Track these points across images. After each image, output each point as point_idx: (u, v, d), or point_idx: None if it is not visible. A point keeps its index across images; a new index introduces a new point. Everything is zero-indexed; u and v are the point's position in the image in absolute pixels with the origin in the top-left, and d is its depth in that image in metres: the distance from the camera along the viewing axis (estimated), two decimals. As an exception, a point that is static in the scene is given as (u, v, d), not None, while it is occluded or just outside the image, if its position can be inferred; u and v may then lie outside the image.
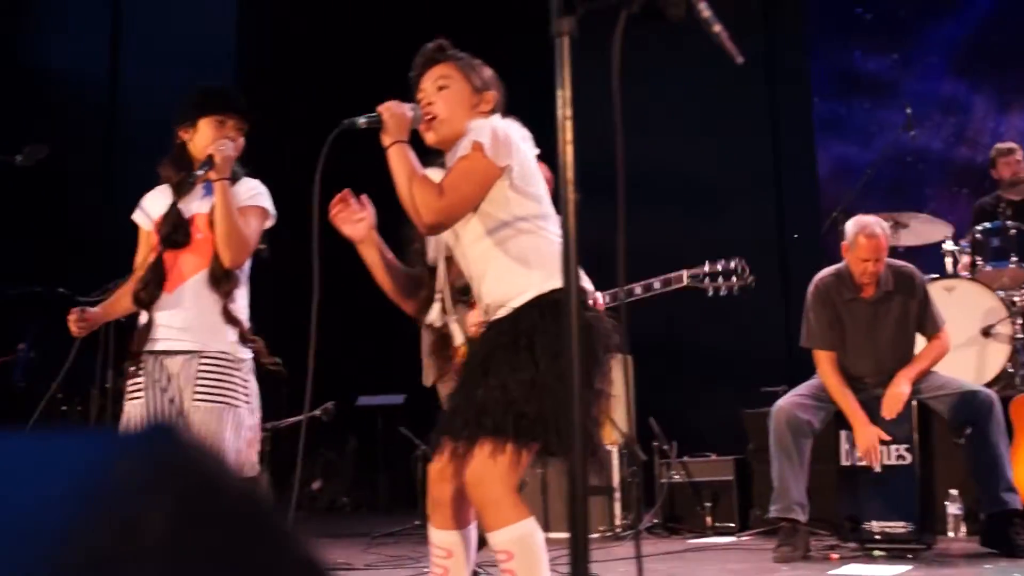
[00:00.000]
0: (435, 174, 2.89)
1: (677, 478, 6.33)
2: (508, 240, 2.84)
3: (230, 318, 3.49)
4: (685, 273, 3.76)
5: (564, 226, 1.46)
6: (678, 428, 6.37)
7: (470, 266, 2.92)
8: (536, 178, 2.90)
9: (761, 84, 8.92)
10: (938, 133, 8.94)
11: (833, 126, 9.21)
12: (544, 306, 2.74)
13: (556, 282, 2.73)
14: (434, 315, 2.98)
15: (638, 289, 3.78)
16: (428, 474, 2.89)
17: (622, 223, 1.52)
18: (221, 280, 3.50)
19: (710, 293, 3.79)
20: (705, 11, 1.55)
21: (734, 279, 3.82)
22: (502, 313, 2.83)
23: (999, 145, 7.25)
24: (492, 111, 2.96)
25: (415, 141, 2.90)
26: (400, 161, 2.81)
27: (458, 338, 2.95)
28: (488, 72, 3.00)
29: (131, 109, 9.30)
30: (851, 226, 5.16)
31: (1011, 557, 4.69)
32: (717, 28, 1.57)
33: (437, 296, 2.99)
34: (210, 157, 3.42)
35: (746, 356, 7.20)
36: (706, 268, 3.78)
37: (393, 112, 2.84)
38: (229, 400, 3.50)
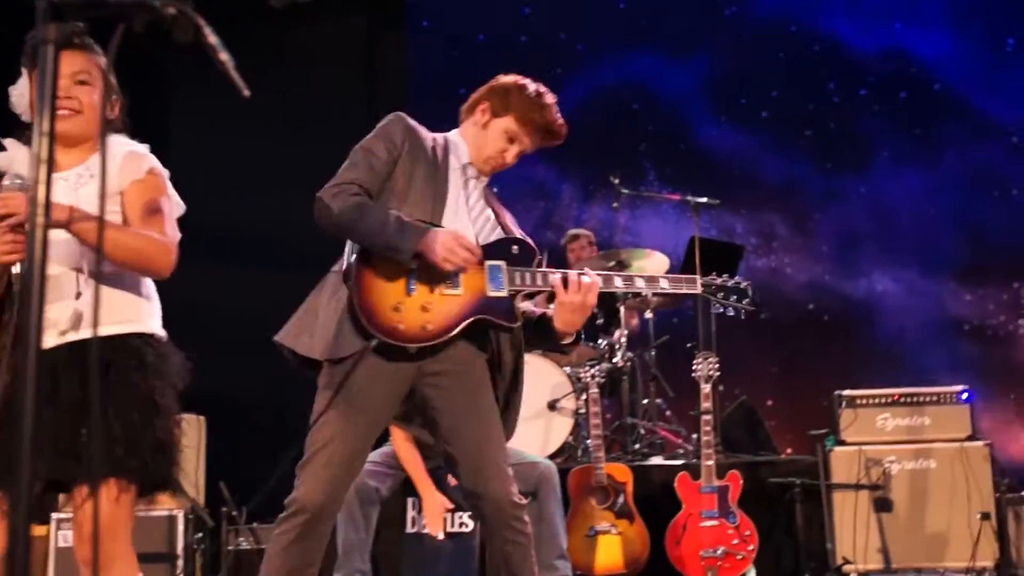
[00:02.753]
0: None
1: (245, 545, 6.12)
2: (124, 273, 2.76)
3: None
4: (699, 280, 3.24)
5: (29, 253, 1.30)
6: (248, 493, 6.16)
7: (65, 280, 2.71)
8: None
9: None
10: (528, 216, 9.36)
11: (430, 201, 9.42)
12: (158, 344, 2.76)
13: (155, 326, 2.84)
14: None
15: (639, 282, 3.23)
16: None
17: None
18: None
19: (717, 310, 3.28)
20: (211, 37, 1.47)
21: (744, 301, 3.29)
22: (104, 332, 2.69)
23: (569, 231, 7.71)
24: (117, 122, 2.88)
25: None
26: (119, 236, 2.69)
27: None
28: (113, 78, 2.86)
29: None
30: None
31: (560, 623, 4.89)
32: (223, 56, 1.49)
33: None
34: None
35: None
36: (718, 280, 3.28)
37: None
38: None
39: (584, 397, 5.95)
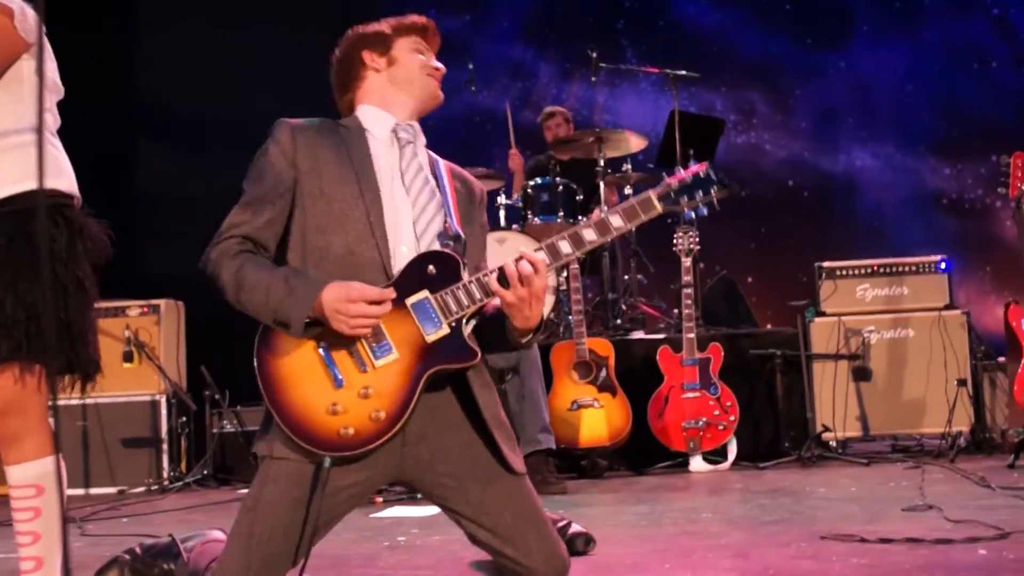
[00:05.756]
0: None
1: (229, 428, 6.14)
2: (8, 126, 2.52)
3: None
4: (653, 195, 2.46)
5: None
6: (231, 376, 6.16)
7: None
8: (52, 64, 2.63)
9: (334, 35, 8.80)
10: (505, 95, 9.23)
11: (405, 82, 9.28)
12: (51, 208, 2.50)
13: (59, 184, 2.57)
14: None
15: (589, 234, 2.39)
16: None
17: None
18: None
19: (689, 216, 2.46)
20: None
21: (714, 190, 2.52)
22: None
23: (545, 109, 7.60)
24: None
25: None
26: None
27: None
28: None
29: None
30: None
31: (545, 493, 4.93)
32: None
33: None
34: None
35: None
36: (674, 182, 2.51)
37: None
38: None
39: (565, 274, 5.94)
